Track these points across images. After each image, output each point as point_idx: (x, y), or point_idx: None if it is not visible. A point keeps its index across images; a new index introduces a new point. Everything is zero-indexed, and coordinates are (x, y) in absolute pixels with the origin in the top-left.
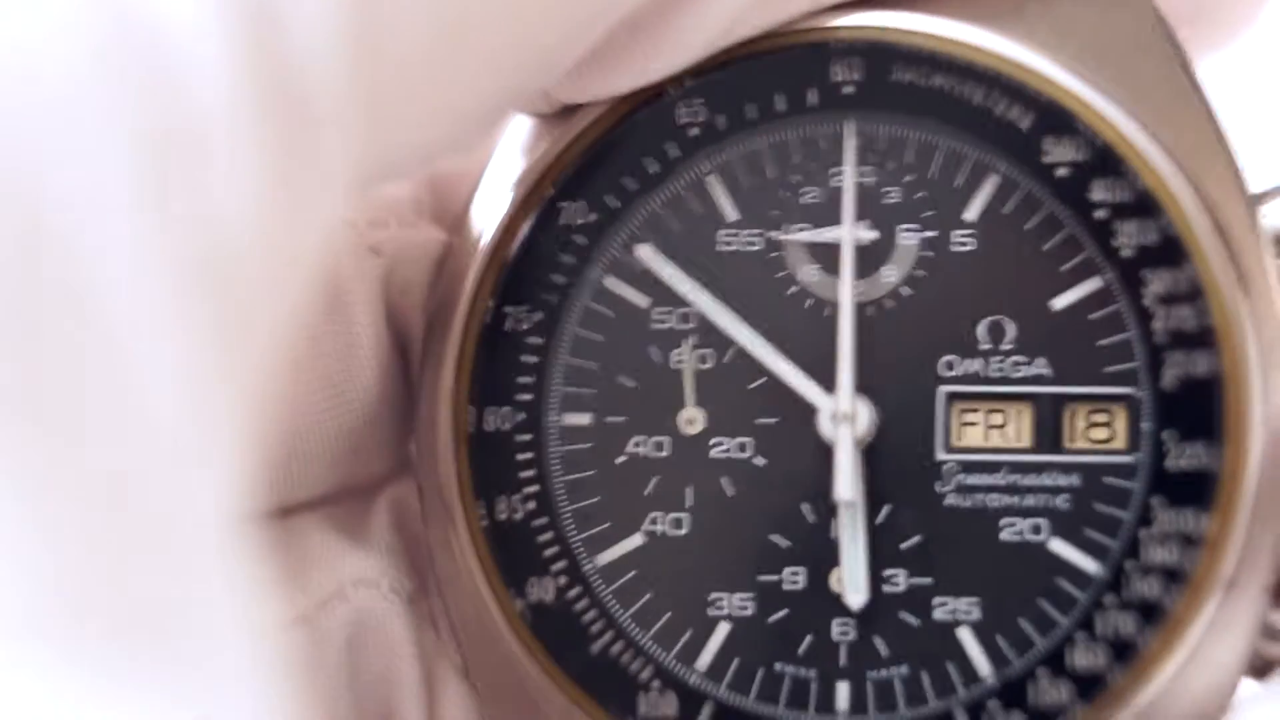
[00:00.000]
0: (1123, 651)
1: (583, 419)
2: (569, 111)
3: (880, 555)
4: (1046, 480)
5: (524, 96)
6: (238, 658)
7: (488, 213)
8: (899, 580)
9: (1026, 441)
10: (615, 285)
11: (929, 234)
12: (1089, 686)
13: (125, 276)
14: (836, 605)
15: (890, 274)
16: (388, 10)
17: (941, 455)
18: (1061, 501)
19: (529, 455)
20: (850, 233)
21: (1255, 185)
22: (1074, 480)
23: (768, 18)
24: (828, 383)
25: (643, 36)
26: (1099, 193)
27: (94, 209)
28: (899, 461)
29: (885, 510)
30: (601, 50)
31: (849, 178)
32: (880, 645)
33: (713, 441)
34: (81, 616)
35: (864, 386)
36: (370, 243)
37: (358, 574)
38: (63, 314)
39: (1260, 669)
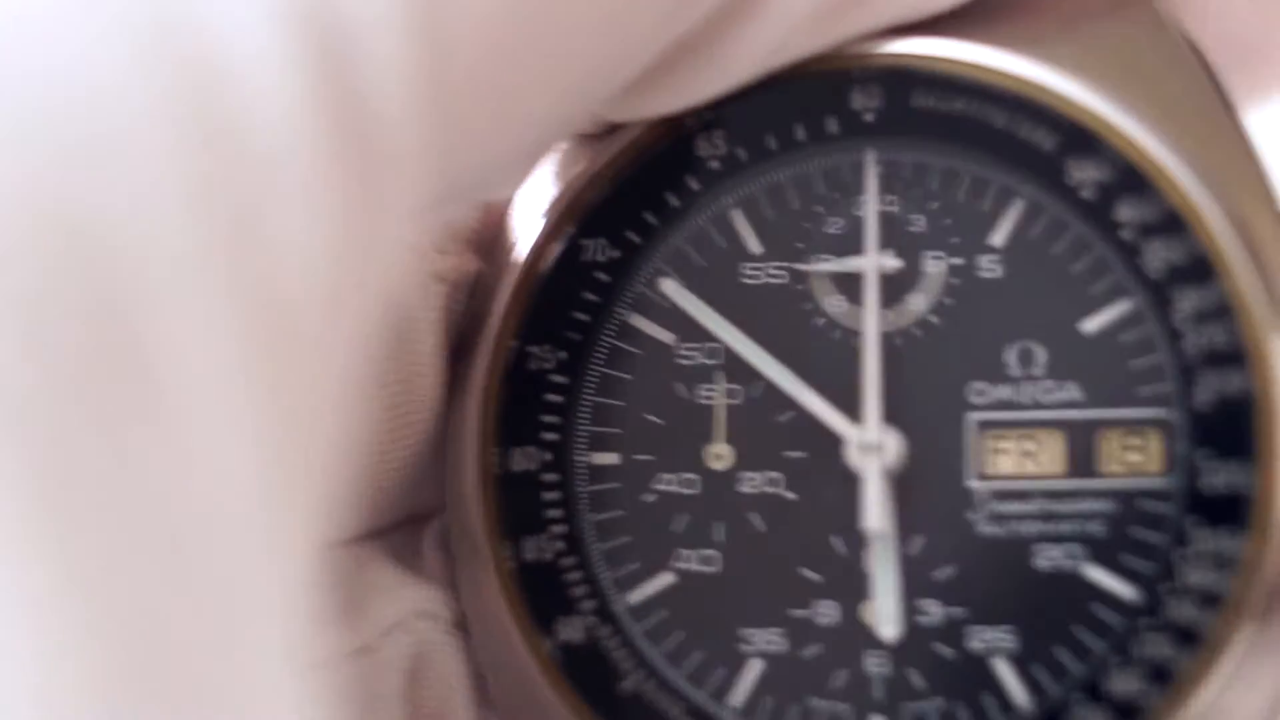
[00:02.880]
0: (1160, 676)
1: (610, 458)
2: (609, 134)
3: (913, 586)
4: (1080, 506)
5: (579, 119)
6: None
7: (511, 249)
8: (933, 611)
9: (1059, 468)
10: (640, 322)
11: (955, 261)
12: (1127, 713)
13: (188, 329)
14: (870, 638)
15: (917, 302)
16: (455, 34)
17: (973, 483)
18: (1095, 527)
19: (556, 495)
20: (874, 262)
21: None
22: (1108, 505)
23: (817, 40)
24: (855, 414)
25: (693, 57)
26: (1125, 213)
27: (157, 256)
28: (930, 491)
29: (917, 541)
30: (652, 70)
31: (871, 206)
32: (915, 678)
33: (741, 476)
34: (141, 687)
35: (892, 416)
36: (435, 270)
37: (420, 606)
38: (124, 371)
39: None
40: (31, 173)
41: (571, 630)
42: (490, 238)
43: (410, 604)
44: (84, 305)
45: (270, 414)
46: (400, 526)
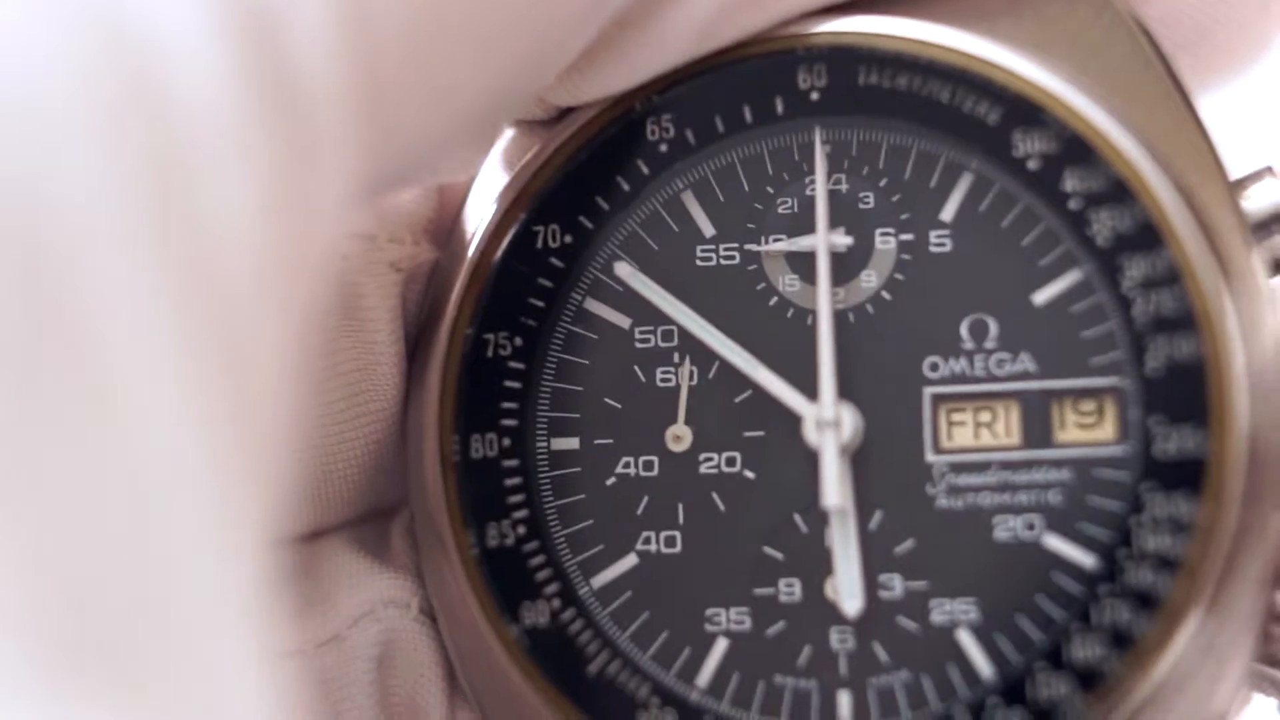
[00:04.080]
0: (1121, 642)
1: (570, 443)
2: (558, 120)
3: (874, 561)
4: (1038, 476)
5: (519, 99)
6: (245, 698)
7: (467, 234)
8: (895, 585)
9: (1015, 439)
10: (595, 306)
11: (906, 237)
12: (1089, 679)
13: (124, 305)
14: (833, 614)
15: (869, 279)
16: (380, 15)
17: (931, 457)
18: (1053, 497)
19: (517, 481)
20: (825, 240)
21: (1238, 170)
22: (1065, 475)
23: (758, 16)
24: (812, 392)
25: (632, 33)
26: (1071, 183)
27: (91, 235)
28: (888, 466)
29: (877, 516)
30: (592, 50)
31: (821, 185)
32: (880, 652)
33: (701, 457)
34: (80, 659)
35: (848, 393)
36: (389, 259)
37: (389, 595)
38: (60, 347)
39: (1274, 658)
40: None
41: (537, 615)
42: (446, 226)
43: (378, 592)
44: (16, 283)
45: (208, 391)
46: (368, 518)
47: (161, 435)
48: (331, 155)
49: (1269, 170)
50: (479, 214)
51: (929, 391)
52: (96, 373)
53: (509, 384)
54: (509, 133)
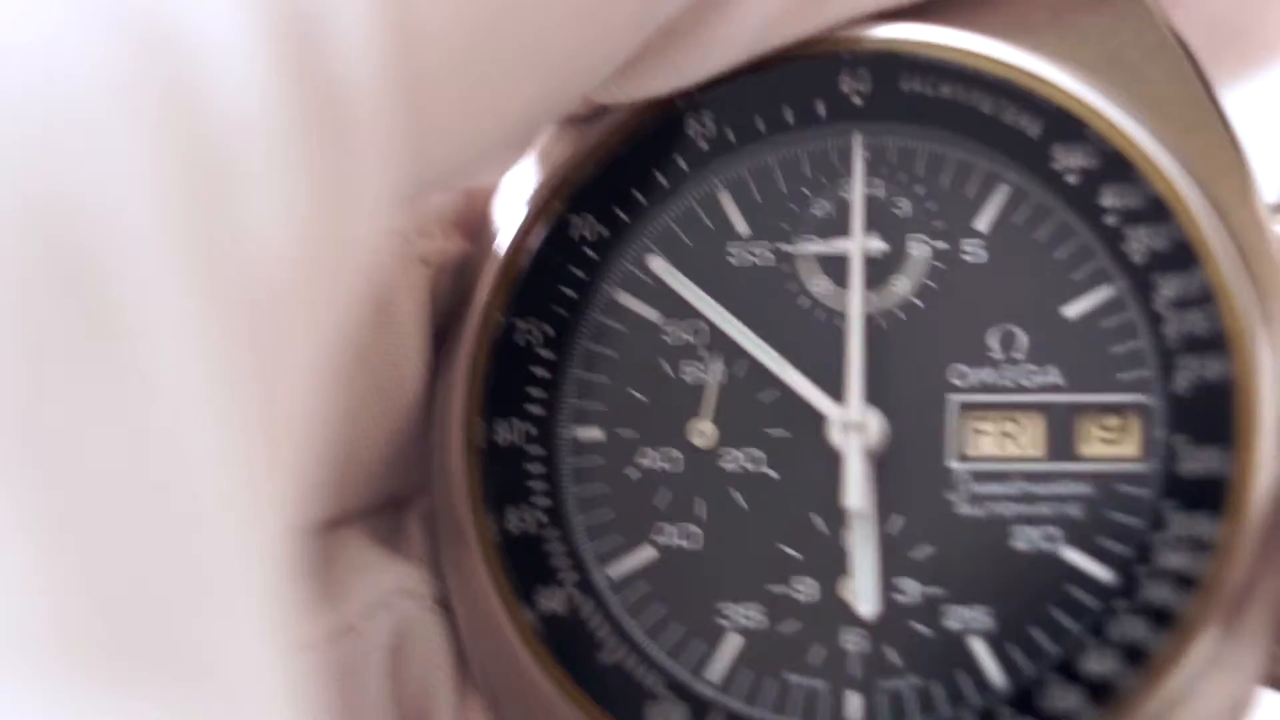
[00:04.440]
0: (1135, 657)
1: (594, 432)
2: (597, 116)
3: (891, 565)
4: (1059, 489)
5: (563, 106)
6: (269, 702)
7: (501, 225)
8: (910, 590)
9: (1039, 450)
10: (626, 299)
11: (939, 245)
12: (1101, 693)
13: (159, 308)
14: (848, 615)
15: (901, 285)
16: (425, 26)
17: (953, 464)
18: (1074, 510)
19: (540, 468)
20: (859, 245)
21: (1274, 194)
22: (1086, 488)
23: (805, 24)
24: (838, 393)
25: (680, 40)
26: (1109, 199)
27: (133, 244)
28: (910, 471)
29: (896, 520)
30: (639, 54)
31: (858, 189)
32: (892, 655)
33: (724, 454)
34: (110, 653)
35: (875, 397)
36: (418, 253)
37: (401, 584)
38: (94, 350)
39: (1276, 679)
40: None
41: (553, 602)
42: (476, 220)
43: (392, 582)
44: (59, 288)
45: (241, 389)
46: (383, 508)
47: (196, 437)
48: (372, 165)
49: None
50: (514, 205)
51: (955, 399)
52: (135, 378)
53: (537, 371)
54: (547, 129)
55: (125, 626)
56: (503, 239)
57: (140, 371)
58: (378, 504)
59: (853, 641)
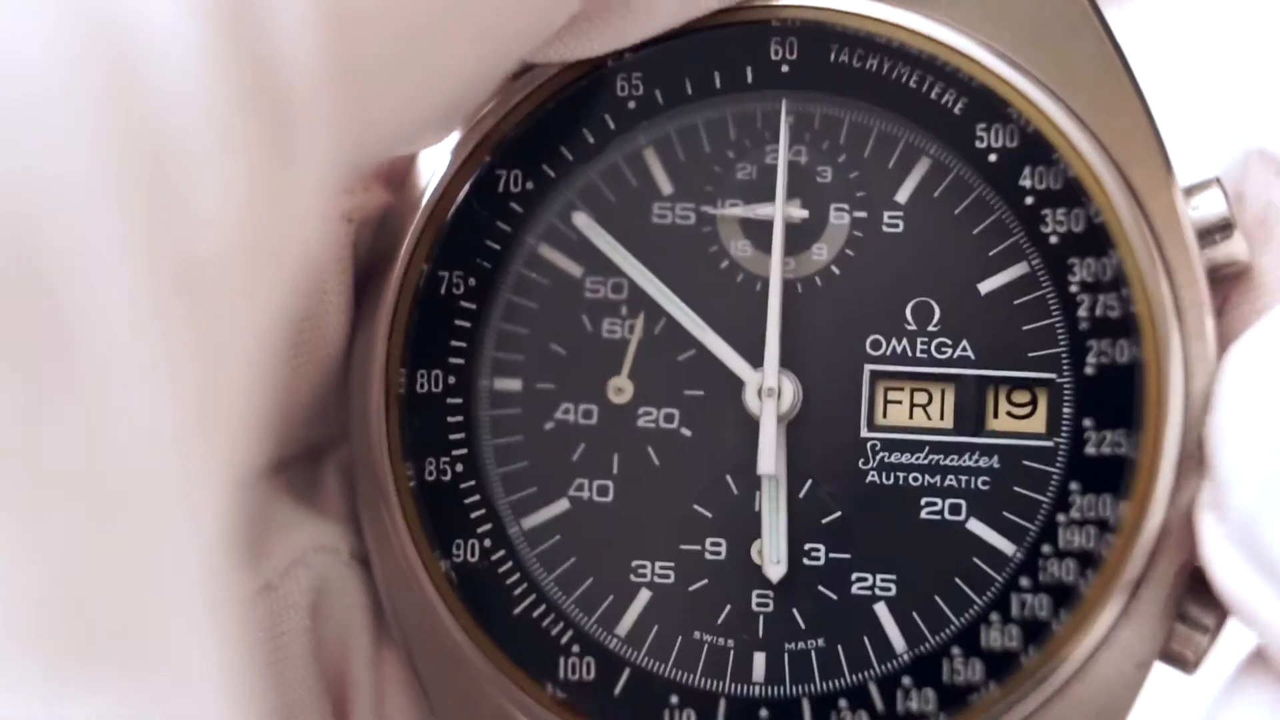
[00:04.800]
0: (1036, 633)
1: (513, 384)
2: (526, 71)
3: (801, 529)
4: (967, 461)
5: (502, 74)
6: (208, 663)
7: (427, 176)
8: (819, 554)
9: (949, 422)
10: (549, 253)
11: (859, 214)
12: (1001, 666)
13: (102, 286)
14: (756, 577)
15: (820, 252)
16: (362, 3)
17: (865, 433)
18: (981, 483)
19: (459, 418)
20: (781, 210)
21: (1186, 178)
22: (994, 462)
23: None
24: (755, 357)
25: (617, 6)
26: (1028, 179)
27: (78, 224)
28: (823, 438)
29: (807, 485)
30: (575, 18)
31: (782, 156)
32: (798, 617)
33: (640, 411)
34: (49, 622)
35: (791, 362)
36: (341, 210)
37: (319, 541)
38: (37, 329)
39: (1178, 657)
40: None
41: (467, 551)
42: (400, 172)
43: (310, 539)
44: (6, 270)
45: (185, 361)
46: (299, 460)
47: (138, 403)
48: (312, 141)
49: (1215, 181)
50: (440, 157)
51: (869, 368)
52: (79, 357)
53: (459, 322)
54: None
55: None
56: (428, 190)
57: (84, 351)
58: (297, 456)
59: (761, 602)
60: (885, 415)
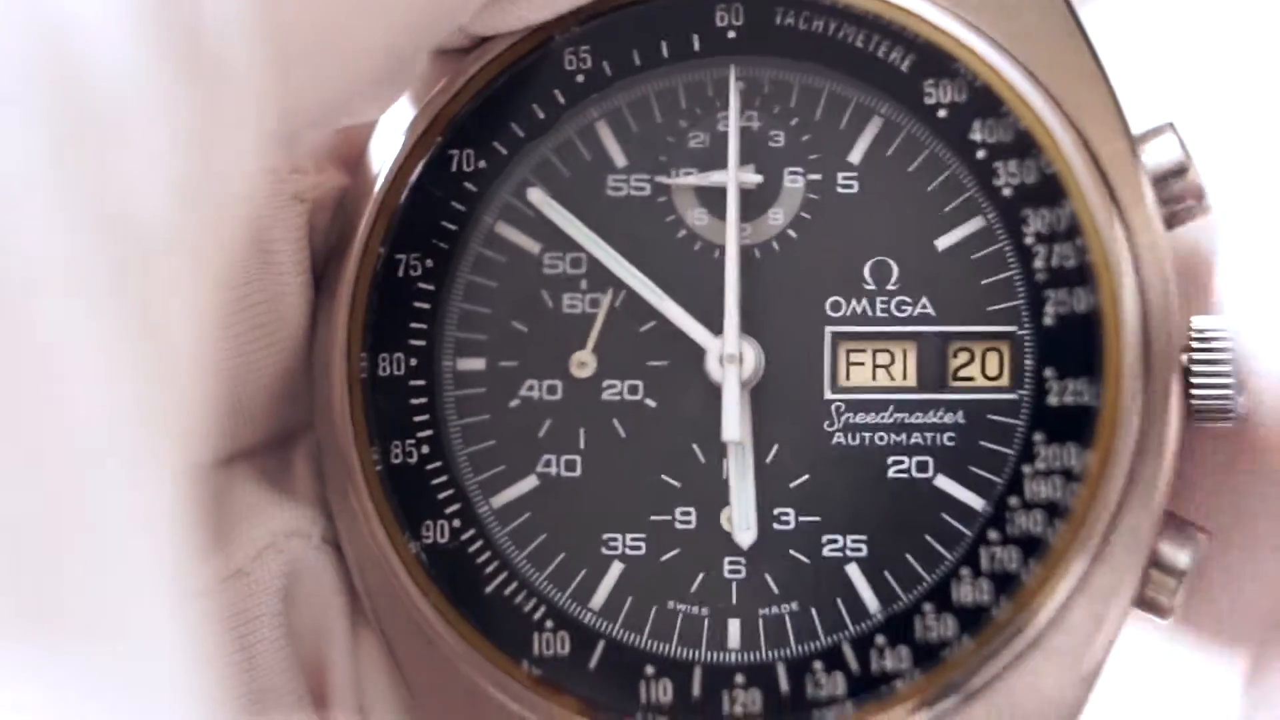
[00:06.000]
0: (1006, 585)
1: (476, 363)
2: (475, 47)
3: (769, 494)
4: (932, 418)
5: (437, 37)
6: (166, 650)
7: (380, 159)
8: (788, 519)
9: (912, 380)
10: (506, 231)
11: (814, 177)
12: (974, 620)
13: (40, 260)
14: (727, 544)
15: (776, 217)
16: None
17: (829, 395)
18: (947, 439)
19: (423, 400)
20: (735, 176)
21: (1139, 125)
22: (959, 418)
23: None
24: (716, 325)
25: None
26: (979, 133)
27: (6, 193)
28: (787, 402)
29: (774, 450)
30: None
31: (733, 122)
32: (770, 582)
33: (604, 384)
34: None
35: (751, 328)
36: (293, 190)
37: (290, 526)
38: None
39: (1152, 604)
40: None
41: (437, 533)
42: (354, 154)
43: (280, 524)
44: None
45: (126, 337)
46: (269, 446)
47: (83, 389)
48: (242, 108)
49: (1169, 126)
50: (392, 139)
51: (830, 330)
52: (20, 333)
53: (418, 304)
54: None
55: (19, 588)
56: (381, 173)
57: (25, 325)
58: (265, 441)
59: (732, 569)
60: (848, 377)
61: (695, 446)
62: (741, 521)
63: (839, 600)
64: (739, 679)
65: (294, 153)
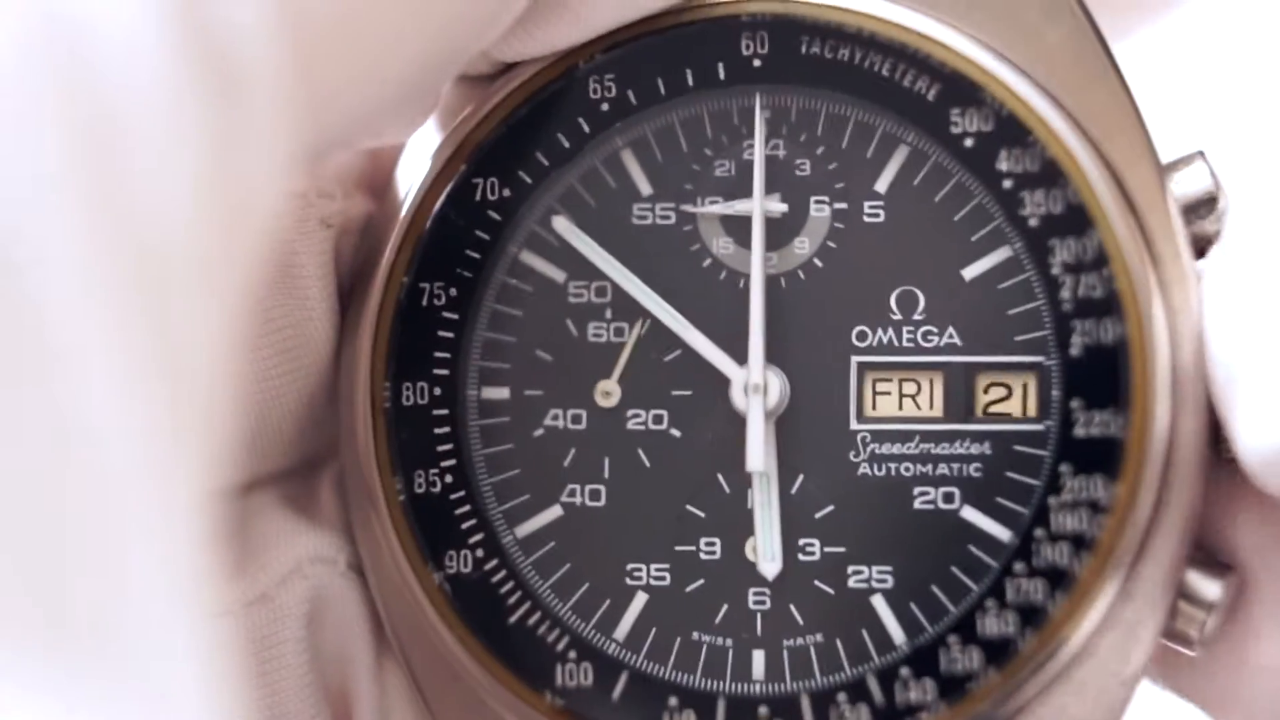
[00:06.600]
0: (1032, 618)
1: (500, 393)
2: (501, 74)
3: (794, 525)
4: (958, 449)
5: (460, 60)
6: (184, 670)
7: (404, 187)
8: (813, 549)
9: (938, 411)
10: (531, 259)
11: (840, 206)
12: (1000, 652)
13: (58, 277)
14: (752, 574)
15: (802, 246)
16: None
17: (854, 425)
18: (973, 470)
19: (446, 429)
20: (760, 205)
21: (1168, 154)
22: (985, 448)
23: None
24: (741, 355)
25: (557, 4)
26: (1006, 163)
27: (24, 209)
28: (813, 432)
29: (799, 480)
30: (537, 7)
31: (759, 150)
32: (795, 614)
33: (629, 414)
34: (19, 628)
35: (777, 358)
36: (320, 215)
37: (315, 551)
38: (4, 318)
39: (1181, 635)
40: None
41: (460, 563)
42: (381, 180)
43: (305, 549)
44: None
45: (144, 357)
46: (295, 471)
47: (101, 407)
48: (266, 128)
49: (1199, 155)
50: (416, 166)
51: (856, 360)
52: (37, 349)
53: (442, 334)
54: (452, 90)
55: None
56: (405, 200)
57: (42, 343)
58: (291, 467)
59: (757, 600)
60: (874, 407)
61: (720, 476)
62: (766, 552)
63: (864, 632)
64: (763, 711)
65: (319, 175)
